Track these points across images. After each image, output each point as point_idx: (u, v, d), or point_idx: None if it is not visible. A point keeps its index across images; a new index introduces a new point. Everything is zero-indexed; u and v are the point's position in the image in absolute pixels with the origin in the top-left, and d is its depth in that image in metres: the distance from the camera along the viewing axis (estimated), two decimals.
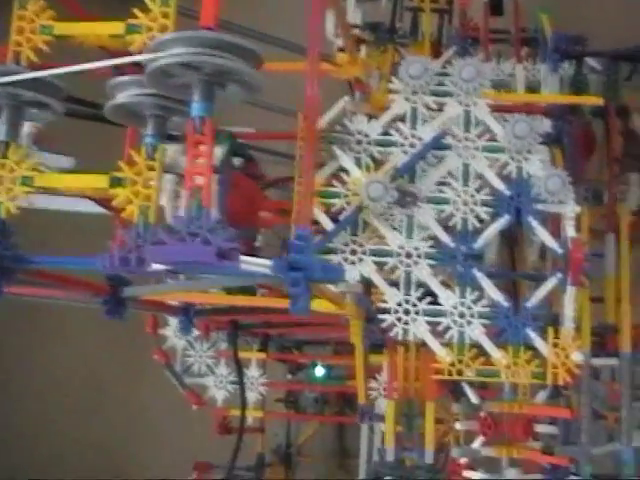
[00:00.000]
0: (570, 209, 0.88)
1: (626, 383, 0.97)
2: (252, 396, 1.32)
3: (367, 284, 0.89)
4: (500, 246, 1.09)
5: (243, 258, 0.56)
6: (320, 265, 0.58)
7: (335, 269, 0.58)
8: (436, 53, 1.23)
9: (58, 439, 1.97)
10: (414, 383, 1.00)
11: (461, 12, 1.24)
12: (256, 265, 0.57)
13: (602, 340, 1.07)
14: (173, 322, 1.32)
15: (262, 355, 1.31)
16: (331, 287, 0.81)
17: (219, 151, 0.77)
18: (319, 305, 0.78)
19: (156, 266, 0.58)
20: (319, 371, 1.43)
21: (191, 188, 0.56)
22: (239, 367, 1.19)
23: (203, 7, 0.57)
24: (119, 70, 0.65)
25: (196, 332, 1.31)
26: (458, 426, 0.96)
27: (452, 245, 0.87)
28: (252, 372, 1.32)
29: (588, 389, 0.96)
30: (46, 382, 1.99)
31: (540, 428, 0.97)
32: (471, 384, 0.98)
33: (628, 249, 1.03)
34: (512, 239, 1.04)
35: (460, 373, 0.85)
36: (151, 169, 0.62)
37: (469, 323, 0.86)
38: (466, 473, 0.97)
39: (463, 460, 0.98)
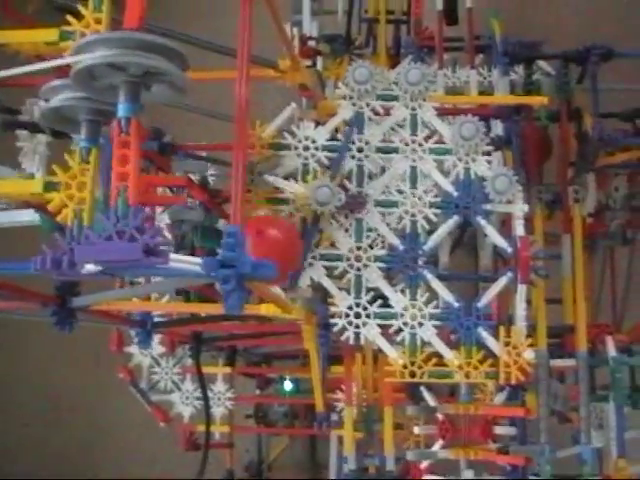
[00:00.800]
0: (519, 208, 0.88)
1: (584, 382, 0.97)
2: (219, 411, 1.31)
3: (323, 291, 0.89)
4: (464, 252, 1.10)
5: (173, 256, 0.56)
6: (251, 262, 0.58)
7: (266, 266, 0.58)
8: (393, 63, 1.23)
9: (20, 453, 1.95)
10: (372, 390, 1.00)
11: (416, 22, 1.24)
12: (187, 263, 0.57)
13: (561, 341, 1.07)
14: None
15: (228, 370, 1.31)
16: (280, 292, 0.81)
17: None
18: (267, 310, 0.78)
19: (89, 268, 0.58)
20: (287, 385, 1.43)
21: (118, 187, 0.56)
22: (202, 381, 1.19)
23: (128, 8, 0.58)
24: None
25: (161, 349, 1.32)
26: (417, 430, 0.96)
27: (402, 248, 0.87)
28: (218, 387, 1.32)
29: (546, 389, 0.96)
30: (7, 399, 1.97)
31: (499, 430, 0.96)
32: (430, 388, 0.98)
33: (583, 250, 1.03)
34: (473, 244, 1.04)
35: (413, 375, 0.85)
36: (84, 173, 0.63)
37: (421, 325, 0.86)
38: (426, 477, 0.97)
39: (424, 465, 0.97)
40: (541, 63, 1.13)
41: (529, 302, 0.99)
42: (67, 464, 1.90)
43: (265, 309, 0.79)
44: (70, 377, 1.95)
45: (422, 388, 0.98)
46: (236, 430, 1.35)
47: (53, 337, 1.88)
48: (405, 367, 0.85)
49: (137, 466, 1.85)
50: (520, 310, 0.86)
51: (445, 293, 0.87)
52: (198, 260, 0.57)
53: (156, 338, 1.31)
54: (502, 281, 0.87)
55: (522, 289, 0.86)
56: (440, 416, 0.96)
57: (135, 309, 0.91)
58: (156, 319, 1.00)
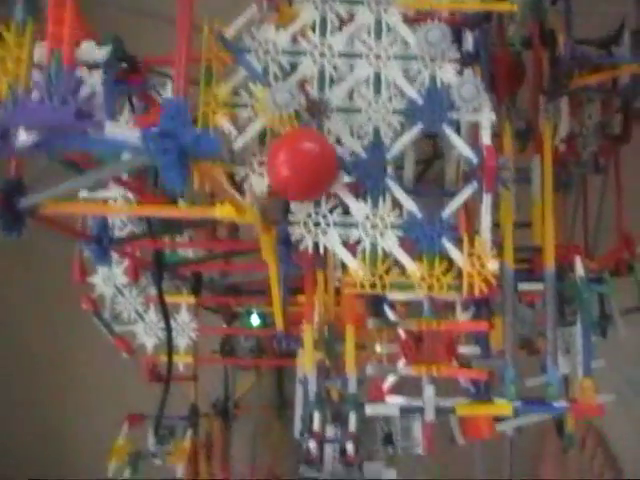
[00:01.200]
0: (486, 117, 0.85)
1: (550, 302, 0.94)
2: (183, 342, 1.29)
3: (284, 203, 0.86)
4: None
5: (110, 123, 0.53)
6: (194, 134, 0.55)
7: (210, 140, 0.55)
8: None
9: None
10: (334, 307, 0.98)
11: None
12: (123, 132, 0.54)
13: (530, 266, 1.05)
14: (102, 270, 1.30)
15: (192, 299, 1.28)
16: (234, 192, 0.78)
17: (103, 51, 0.74)
18: (221, 212, 0.75)
19: (22, 139, 0.55)
20: (255, 319, 1.40)
21: (51, 49, 0.53)
22: (164, 310, 1.16)
23: None
24: None
25: (125, 279, 1.29)
26: (378, 349, 0.93)
27: (364, 155, 0.84)
28: (182, 317, 1.29)
29: (512, 309, 0.93)
30: None
31: (464, 350, 0.94)
32: (393, 307, 0.96)
33: (552, 169, 1.00)
34: None
35: (373, 286, 0.83)
36: (20, 47, 0.59)
37: (382, 234, 0.83)
38: (389, 398, 0.95)
39: (386, 385, 0.95)
40: None
41: (497, 225, 0.98)
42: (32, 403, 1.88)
43: (219, 211, 0.76)
44: (34, 310, 1.92)
45: (384, 305, 0.95)
46: (200, 362, 1.32)
47: (16, 271, 1.87)
48: (366, 278, 0.82)
49: (100, 401, 1.83)
50: (485, 221, 0.84)
51: (408, 203, 0.84)
52: (136, 130, 0.54)
53: (120, 268, 1.28)
54: (467, 191, 0.85)
55: (487, 199, 0.83)
56: (403, 334, 0.93)
57: (89, 212, 0.88)
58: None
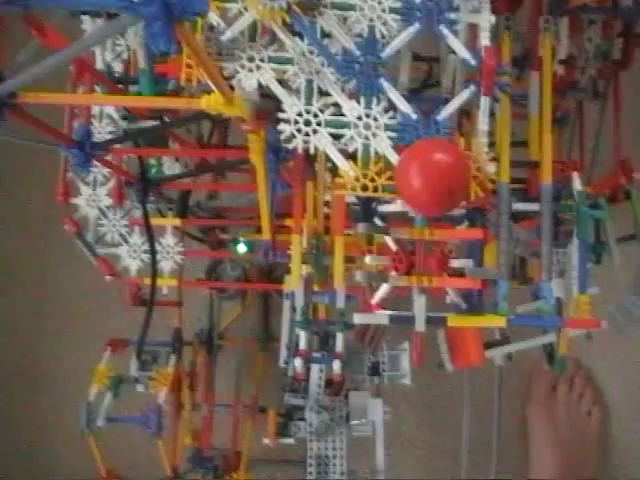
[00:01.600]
0: (485, 18, 0.82)
1: (546, 216, 0.92)
2: (167, 265, 1.26)
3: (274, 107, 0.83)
4: None
5: None
6: None
7: None
8: None
9: None
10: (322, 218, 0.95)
11: None
12: None
13: (526, 186, 1.03)
14: (86, 191, 1.26)
15: (178, 221, 1.25)
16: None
17: None
18: (208, 103, 0.73)
19: None
20: (241, 248, 1.37)
21: None
22: (149, 228, 1.14)
23: None
24: None
25: (109, 200, 1.26)
26: (368, 260, 0.90)
27: (358, 53, 0.81)
28: (168, 240, 1.26)
29: (507, 226, 0.91)
30: None
31: (456, 263, 0.91)
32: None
33: (551, 86, 0.97)
34: None
35: (365, 188, 0.80)
36: None
37: (375, 135, 0.80)
38: (377, 312, 0.92)
39: (375, 301, 0.92)
40: None
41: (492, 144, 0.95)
42: (13, 330, 1.86)
43: (206, 101, 0.73)
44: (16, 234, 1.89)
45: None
46: (185, 285, 1.30)
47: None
48: (357, 180, 0.79)
49: (84, 328, 1.81)
50: (483, 125, 0.81)
51: (403, 104, 0.81)
52: None
53: (104, 190, 1.25)
54: (465, 94, 0.82)
55: (485, 102, 0.81)
56: (393, 246, 0.90)
57: (71, 101, 0.84)
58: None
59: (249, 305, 1.61)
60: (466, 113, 0.90)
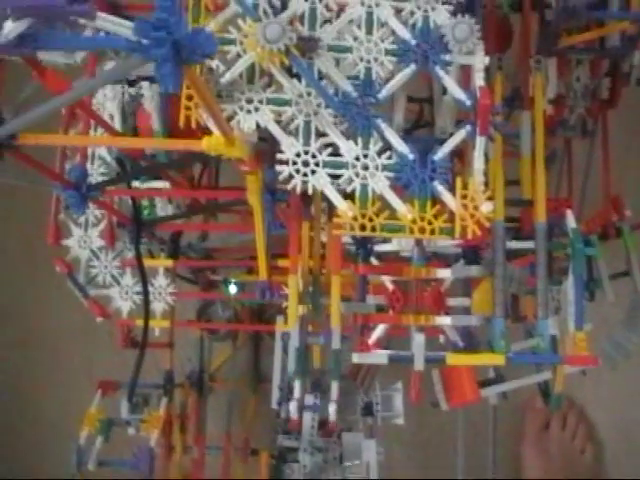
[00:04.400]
0: (479, 60, 0.83)
1: (541, 254, 0.92)
2: (159, 306, 1.25)
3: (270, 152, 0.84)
4: None
5: (101, 14, 0.50)
6: (191, 30, 0.52)
7: (206, 36, 0.52)
8: None
9: None
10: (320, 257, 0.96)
11: None
12: (116, 25, 0.51)
13: (520, 225, 1.04)
14: (77, 232, 1.27)
15: (170, 262, 1.25)
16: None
17: None
18: (208, 144, 0.73)
19: (8, 28, 0.52)
20: (233, 289, 1.37)
21: None
22: (142, 271, 1.13)
23: None
24: None
25: (101, 242, 1.26)
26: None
27: (355, 94, 0.82)
28: (159, 281, 1.26)
29: (502, 262, 0.91)
30: None
31: (453, 302, 0.92)
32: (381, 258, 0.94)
33: (543, 124, 0.99)
34: None
35: (363, 228, 0.80)
36: None
37: (372, 176, 0.81)
38: (376, 352, 0.92)
39: (372, 340, 0.92)
40: None
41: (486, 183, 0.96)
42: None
43: (206, 142, 0.74)
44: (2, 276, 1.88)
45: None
46: (177, 325, 1.29)
47: None
48: (355, 219, 0.80)
49: (73, 370, 1.79)
50: (479, 164, 0.82)
51: (399, 144, 0.82)
52: (129, 23, 0.52)
53: (96, 231, 1.25)
54: (460, 134, 0.83)
55: (481, 141, 0.81)
56: (390, 285, 0.91)
57: (68, 142, 0.85)
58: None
59: (240, 346, 1.61)
60: (457, 153, 0.91)
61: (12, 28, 0.51)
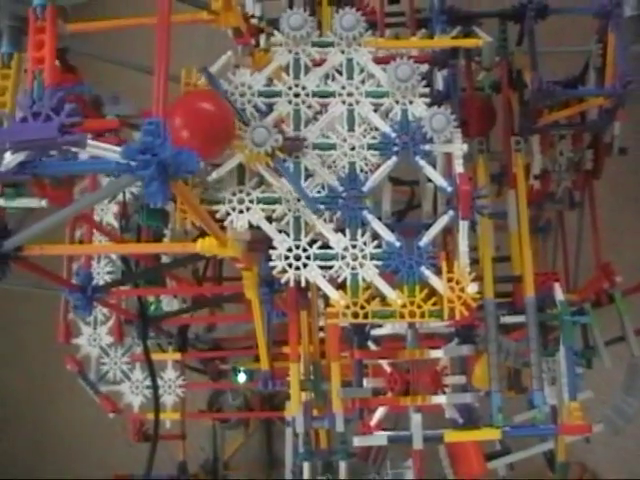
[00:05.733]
0: (457, 147, 0.88)
1: (532, 327, 0.95)
2: (169, 399, 1.28)
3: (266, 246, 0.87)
4: None
5: (91, 142, 0.55)
6: (172, 149, 0.56)
7: (189, 156, 0.57)
8: None
9: None
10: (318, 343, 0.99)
11: None
12: (105, 150, 0.56)
13: (512, 300, 1.07)
14: (86, 330, 1.30)
15: (178, 356, 1.28)
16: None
17: None
18: (202, 246, 0.77)
19: (8, 160, 0.56)
20: (242, 377, 1.40)
21: (34, 71, 0.55)
22: (150, 366, 1.16)
23: None
24: None
25: (109, 339, 1.29)
26: (365, 383, 0.94)
27: (341, 189, 0.86)
28: (169, 374, 1.29)
29: (496, 339, 0.95)
30: None
31: (450, 380, 0.95)
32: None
33: (526, 202, 1.03)
34: None
35: (356, 316, 0.83)
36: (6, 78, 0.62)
37: (362, 265, 0.85)
38: (376, 434, 0.95)
39: (373, 422, 0.95)
40: (477, 30, 1.13)
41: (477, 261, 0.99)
42: (15, 466, 1.85)
43: (201, 245, 0.78)
44: (17, 375, 1.91)
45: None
46: (188, 417, 1.32)
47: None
48: (348, 308, 0.83)
49: (87, 465, 1.81)
50: (463, 247, 0.85)
51: (386, 233, 0.86)
52: (117, 148, 0.56)
53: (104, 329, 1.29)
54: (443, 220, 0.86)
55: (464, 225, 0.85)
56: (388, 368, 0.94)
57: (73, 252, 0.89)
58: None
59: (252, 433, 1.62)
60: (449, 230, 0.94)
61: (12, 159, 0.55)
